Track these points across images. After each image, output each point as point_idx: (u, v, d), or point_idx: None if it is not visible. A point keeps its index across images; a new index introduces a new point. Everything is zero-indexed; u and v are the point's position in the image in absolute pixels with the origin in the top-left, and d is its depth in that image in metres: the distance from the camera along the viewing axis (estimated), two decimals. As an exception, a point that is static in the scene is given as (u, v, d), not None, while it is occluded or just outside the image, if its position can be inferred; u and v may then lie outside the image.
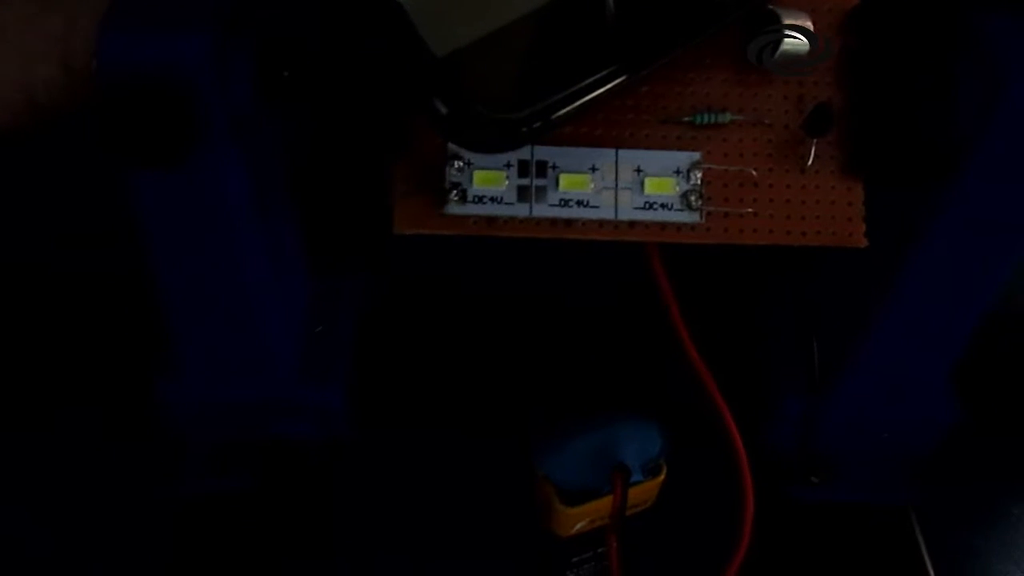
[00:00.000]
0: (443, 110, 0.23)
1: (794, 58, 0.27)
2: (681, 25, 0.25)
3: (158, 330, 0.33)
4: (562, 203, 0.28)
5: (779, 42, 0.27)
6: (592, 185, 0.28)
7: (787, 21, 0.27)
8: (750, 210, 0.28)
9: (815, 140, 0.28)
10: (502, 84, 0.24)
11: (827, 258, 0.34)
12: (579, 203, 0.28)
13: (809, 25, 0.27)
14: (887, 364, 0.33)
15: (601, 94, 0.24)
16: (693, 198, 0.28)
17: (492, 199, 0.28)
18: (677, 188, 0.28)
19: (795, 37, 0.27)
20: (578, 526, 0.33)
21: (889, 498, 0.37)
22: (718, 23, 0.26)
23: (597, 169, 0.28)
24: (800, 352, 0.35)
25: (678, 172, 0.28)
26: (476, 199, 0.28)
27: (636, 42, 0.25)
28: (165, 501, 0.36)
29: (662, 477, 0.32)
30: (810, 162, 0.28)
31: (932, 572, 0.35)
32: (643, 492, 0.33)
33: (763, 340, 0.37)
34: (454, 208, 0.28)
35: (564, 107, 0.24)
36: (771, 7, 0.27)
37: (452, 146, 0.27)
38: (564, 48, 0.24)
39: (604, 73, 0.24)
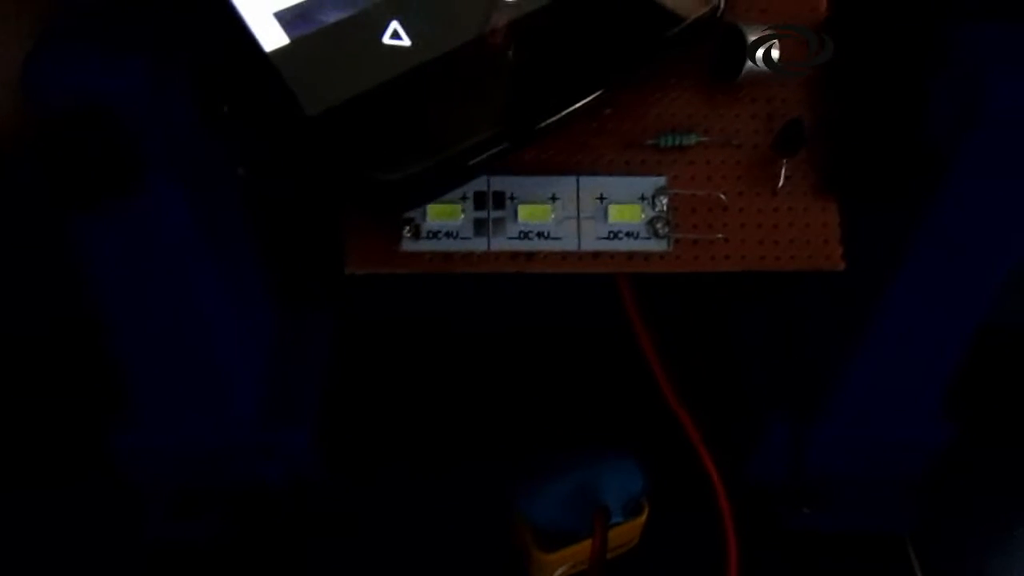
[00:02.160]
0: (315, 171, 0.21)
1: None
2: (586, 77, 0.23)
3: (110, 377, 0.31)
4: (522, 235, 0.26)
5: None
6: (553, 215, 0.26)
7: (752, 37, 0.25)
8: (720, 236, 0.27)
9: (786, 159, 0.27)
10: (383, 143, 0.22)
11: (807, 279, 0.33)
12: (540, 235, 0.26)
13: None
14: (873, 387, 0.32)
15: (486, 158, 0.22)
16: (660, 225, 0.27)
17: (448, 234, 0.26)
18: (643, 215, 0.27)
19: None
20: (559, 572, 0.31)
21: (883, 526, 0.35)
22: (635, 70, 0.24)
23: (558, 198, 0.27)
24: (784, 378, 0.34)
25: (643, 198, 0.27)
26: (431, 235, 0.26)
27: (532, 101, 0.22)
28: (128, 553, 0.34)
29: (644, 517, 0.31)
30: (781, 183, 0.27)
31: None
32: (625, 533, 0.31)
33: (745, 366, 0.36)
34: (408, 245, 0.26)
35: (451, 170, 0.22)
36: (737, 24, 0.26)
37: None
38: (456, 105, 0.22)
39: (490, 135, 0.22)
